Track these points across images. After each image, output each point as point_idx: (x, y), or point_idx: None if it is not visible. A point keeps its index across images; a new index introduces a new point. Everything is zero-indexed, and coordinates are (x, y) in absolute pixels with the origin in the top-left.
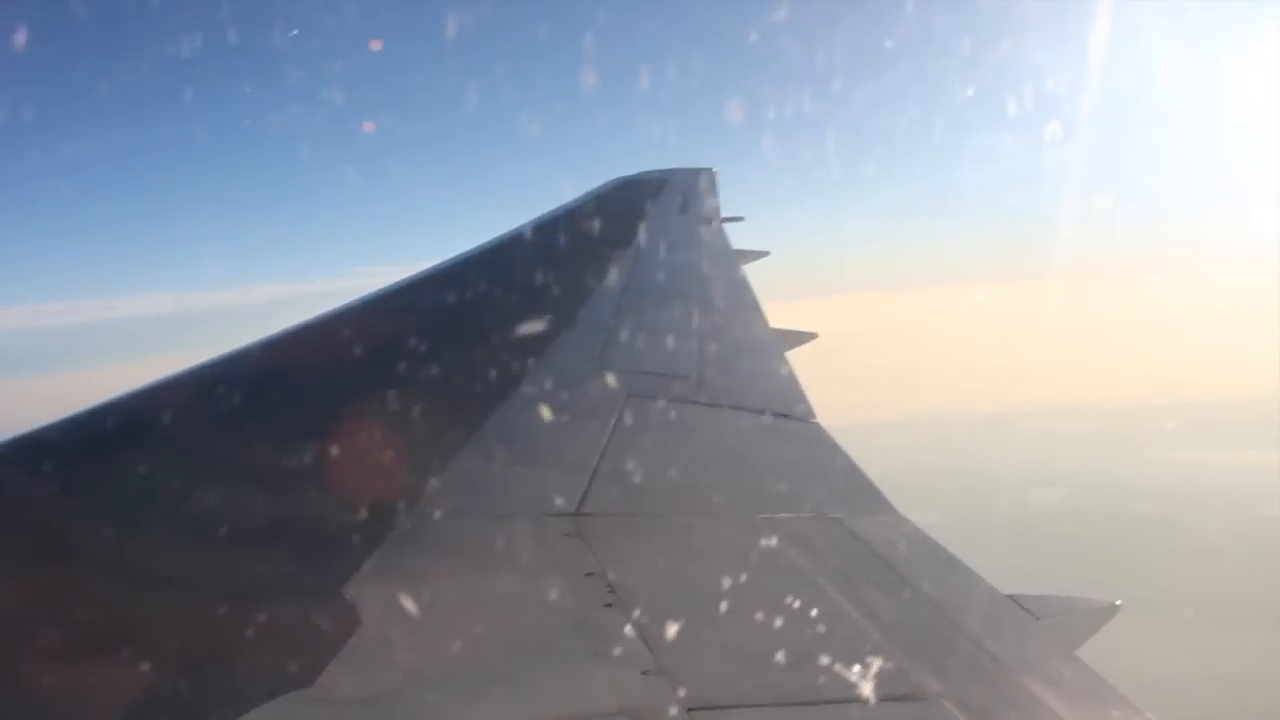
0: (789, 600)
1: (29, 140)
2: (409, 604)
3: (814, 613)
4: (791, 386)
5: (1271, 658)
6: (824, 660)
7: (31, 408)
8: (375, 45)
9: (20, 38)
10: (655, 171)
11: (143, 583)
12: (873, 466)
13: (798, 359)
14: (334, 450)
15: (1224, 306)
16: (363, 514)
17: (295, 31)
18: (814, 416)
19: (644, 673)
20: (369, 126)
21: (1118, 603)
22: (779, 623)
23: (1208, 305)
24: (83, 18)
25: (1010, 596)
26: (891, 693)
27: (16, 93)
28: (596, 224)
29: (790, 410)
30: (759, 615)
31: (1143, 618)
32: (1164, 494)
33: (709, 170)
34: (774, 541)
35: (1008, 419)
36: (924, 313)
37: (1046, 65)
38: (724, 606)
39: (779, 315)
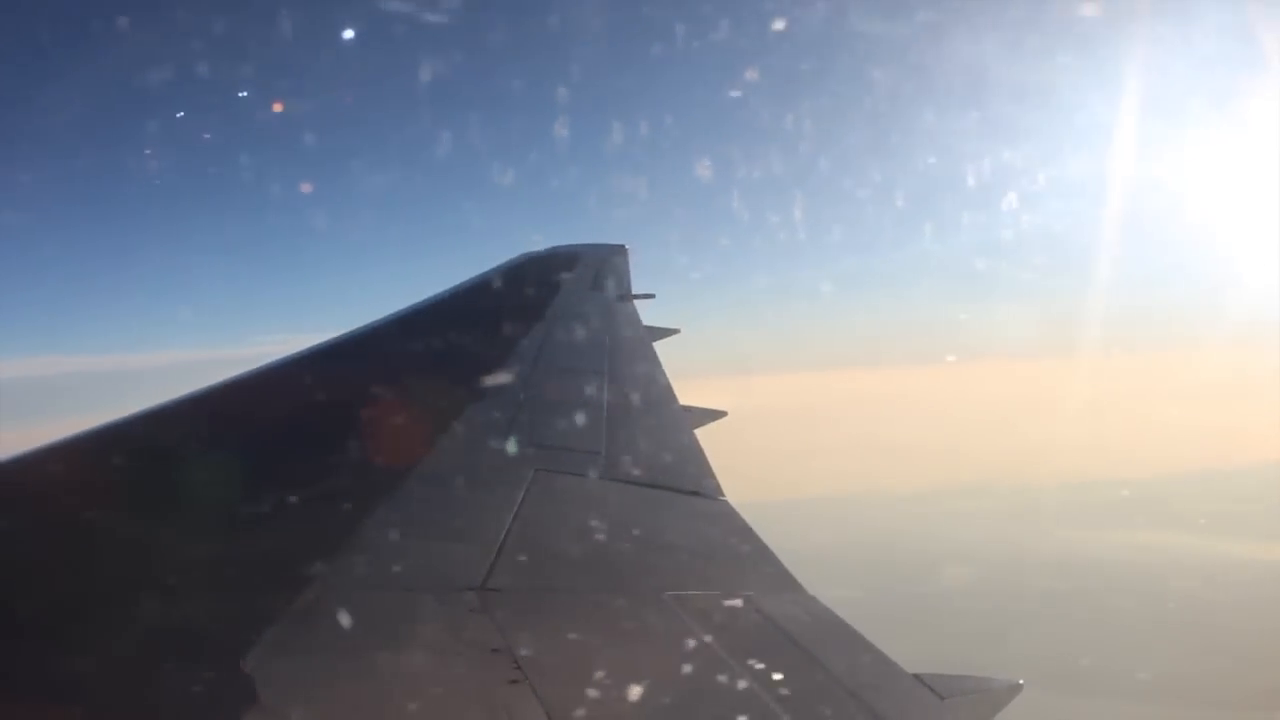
0: (695, 679)
1: None
2: (309, 679)
3: (720, 692)
4: (700, 464)
5: None
6: None
7: None
8: (277, 106)
9: None
10: (566, 246)
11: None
12: (784, 544)
13: (707, 437)
14: (235, 523)
15: (1126, 389)
16: (263, 587)
17: (244, 93)
18: (722, 494)
19: None
20: (308, 187)
21: (1020, 681)
22: (684, 701)
23: (1111, 388)
24: None
25: (916, 676)
26: None
27: None
28: (506, 298)
29: (699, 487)
30: (665, 694)
31: (1051, 691)
32: (1074, 570)
33: (621, 246)
34: (682, 620)
35: (921, 498)
36: (836, 393)
37: (950, 153)
38: (630, 684)
39: (689, 393)
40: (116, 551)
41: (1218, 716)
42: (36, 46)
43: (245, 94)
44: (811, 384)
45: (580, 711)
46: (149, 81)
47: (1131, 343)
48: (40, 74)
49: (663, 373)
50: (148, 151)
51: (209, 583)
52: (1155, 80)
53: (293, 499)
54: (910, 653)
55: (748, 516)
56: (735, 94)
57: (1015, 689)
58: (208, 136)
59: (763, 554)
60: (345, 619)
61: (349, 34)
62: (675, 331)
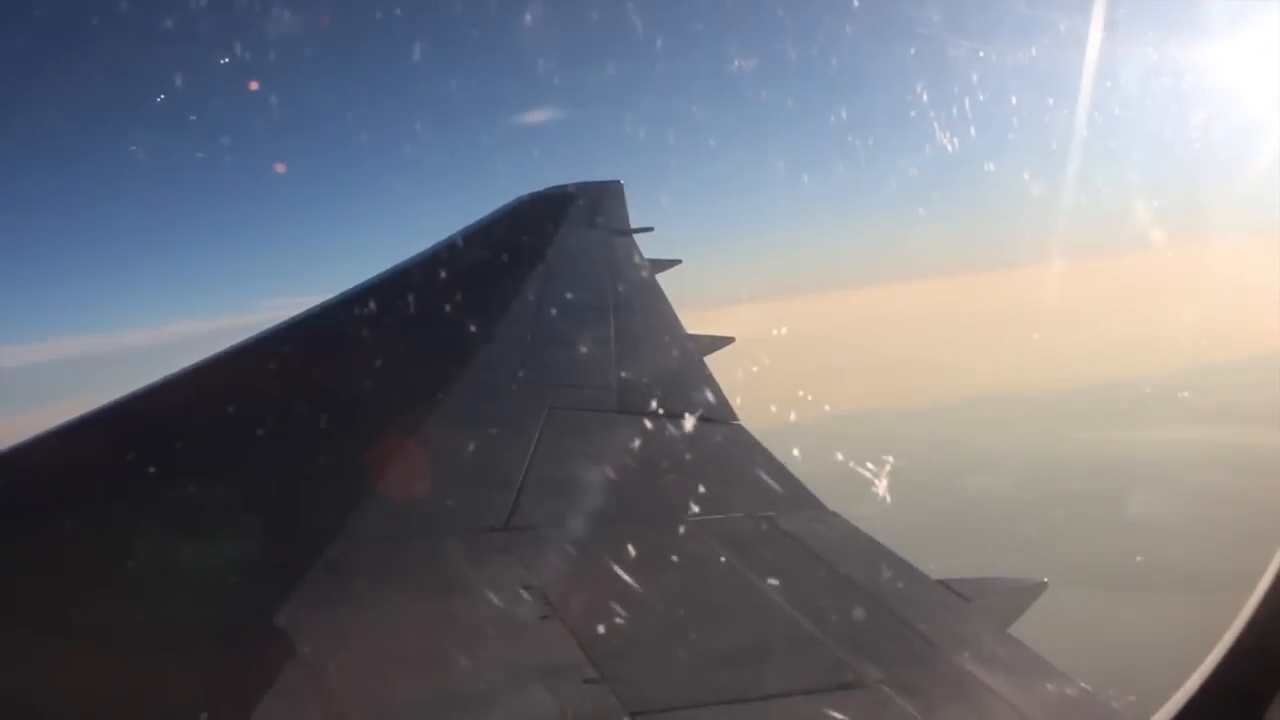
0: (724, 600)
1: None
2: (345, 629)
3: (750, 611)
4: (712, 390)
5: (1203, 617)
6: (762, 656)
7: None
8: (252, 85)
9: None
10: (562, 186)
11: (58, 626)
12: (801, 466)
13: (716, 363)
14: (262, 477)
15: (1131, 290)
16: (291, 539)
17: (225, 59)
18: (735, 419)
19: (585, 681)
20: (280, 168)
21: (1044, 580)
22: (715, 623)
23: (1115, 290)
24: None
25: (941, 581)
26: (832, 683)
27: None
28: (507, 240)
29: (712, 413)
30: (695, 617)
31: (1080, 590)
32: (1091, 472)
33: (616, 182)
34: (705, 544)
35: (932, 411)
36: (841, 314)
37: (942, 67)
38: (660, 611)
39: (695, 322)
40: (149, 507)
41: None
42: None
43: (232, 58)
44: (816, 307)
45: (612, 641)
46: (142, 54)
47: (1136, 242)
48: (37, 47)
49: (667, 303)
50: (135, 124)
51: (237, 537)
52: None
53: (313, 453)
54: (937, 562)
55: (763, 440)
56: (721, 15)
57: (1040, 587)
58: (198, 100)
59: (780, 474)
60: (374, 567)
61: None
62: (677, 262)
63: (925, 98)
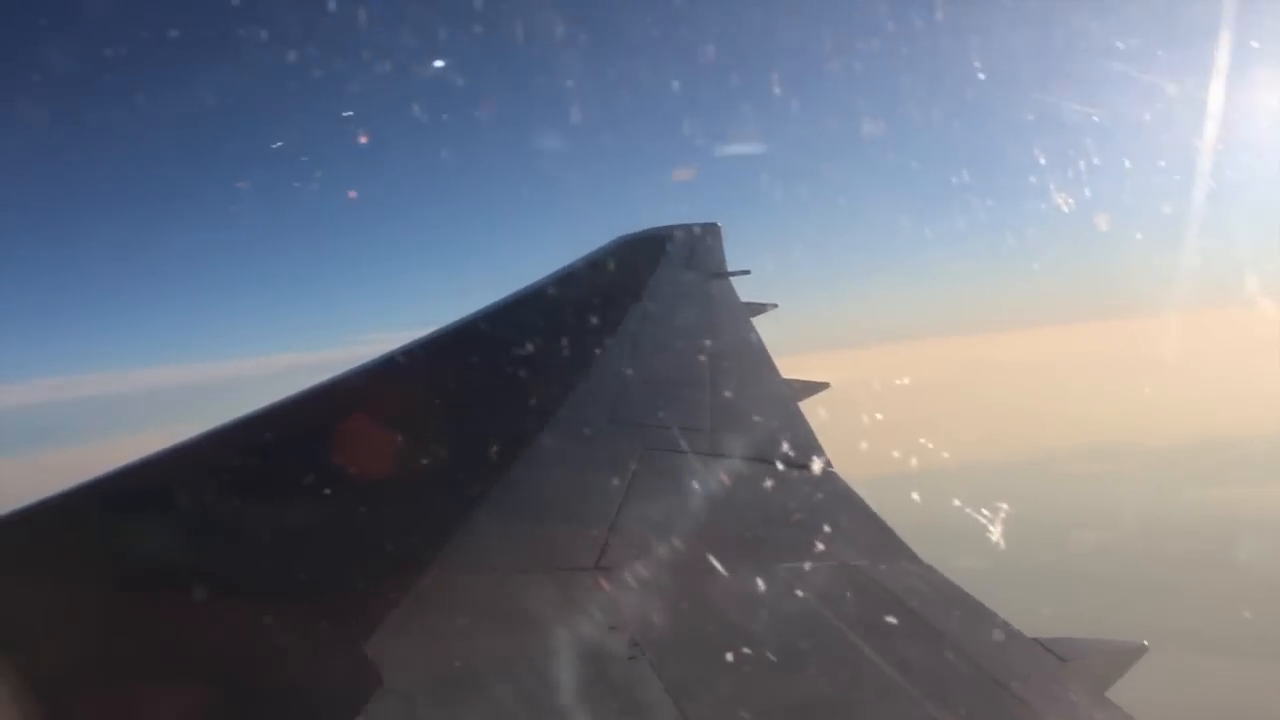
0: (810, 650)
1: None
2: (431, 661)
3: (836, 662)
4: (806, 436)
5: None
6: (851, 709)
7: (36, 484)
8: (362, 140)
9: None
10: (659, 228)
11: (153, 642)
12: (898, 516)
13: (811, 410)
14: (356, 506)
15: (1247, 344)
16: (383, 569)
17: (349, 114)
18: (830, 465)
19: None
20: (352, 195)
21: (1144, 643)
22: (801, 672)
23: (1234, 344)
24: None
25: (1037, 640)
26: None
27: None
28: (603, 281)
29: (806, 460)
30: (781, 665)
31: (1185, 653)
32: (1202, 531)
33: (714, 225)
34: (794, 591)
35: (1040, 463)
36: (940, 362)
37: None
38: (746, 657)
39: (790, 367)
40: (253, 525)
41: None
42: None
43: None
44: (917, 354)
45: (698, 686)
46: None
47: (1248, 297)
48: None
49: (763, 347)
50: (229, 162)
51: (329, 567)
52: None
53: (408, 484)
54: (1036, 619)
55: (859, 489)
56: (828, 62)
57: (1140, 650)
58: (280, 143)
59: (874, 524)
60: (463, 601)
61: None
62: (773, 306)
63: (1041, 155)
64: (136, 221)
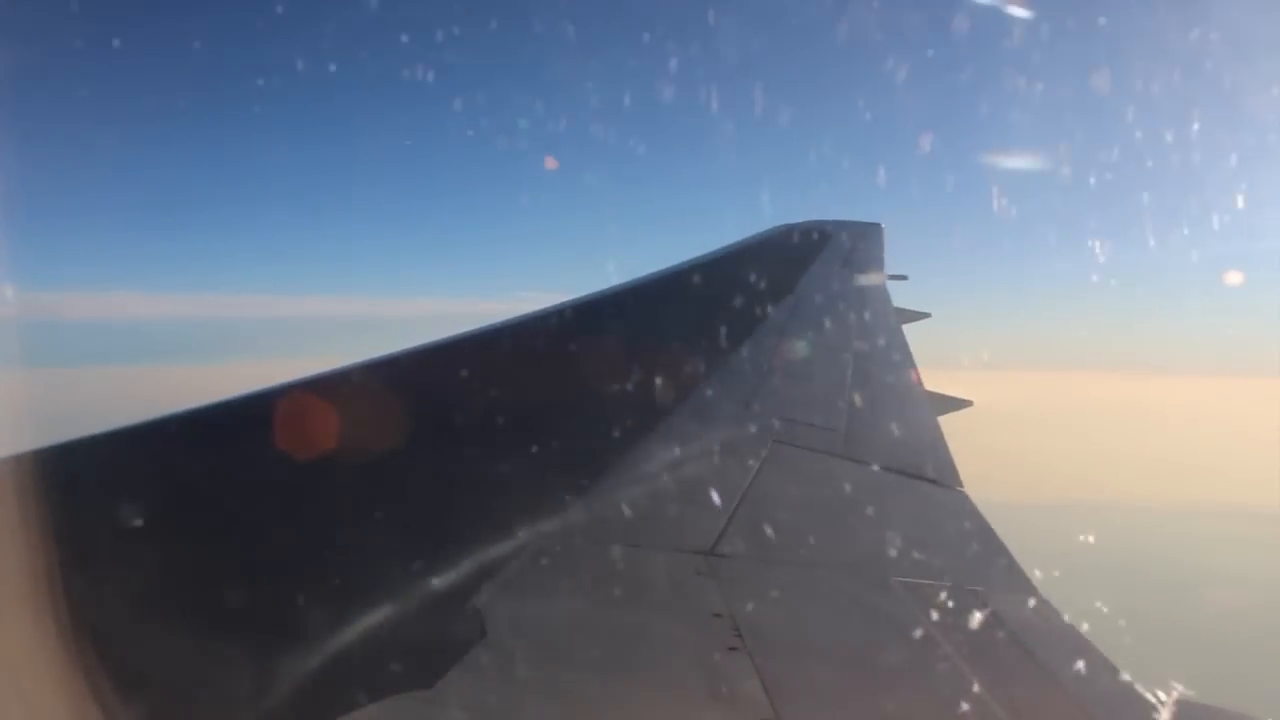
0: (916, 667)
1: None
2: (535, 623)
3: (937, 682)
4: (941, 452)
5: None
6: None
7: (199, 393)
8: (550, 163)
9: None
10: (821, 221)
11: (275, 576)
12: (1024, 546)
13: (950, 425)
14: (482, 464)
15: None
16: (503, 528)
17: (501, 75)
18: (960, 484)
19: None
20: (551, 163)
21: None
22: (901, 688)
23: None
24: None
25: (1157, 697)
26: None
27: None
28: (759, 269)
29: (938, 475)
30: (883, 677)
31: None
32: None
33: (876, 225)
34: (907, 606)
35: (1185, 515)
36: (1095, 396)
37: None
38: (848, 663)
39: (936, 379)
40: (380, 471)
41: None
42: None
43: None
44: (1069, 383)
45: (795, 684)
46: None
47: None
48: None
49: (909, 356)
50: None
51: (453, 518)
52: None
53: (537, 453)
54: (1155, 675)
55: (988, 513)
56: (1019, 73)
57: None
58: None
59: (998, 551)
60: (575, 568)
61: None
62: (926, 315)
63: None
64: (323, 153)
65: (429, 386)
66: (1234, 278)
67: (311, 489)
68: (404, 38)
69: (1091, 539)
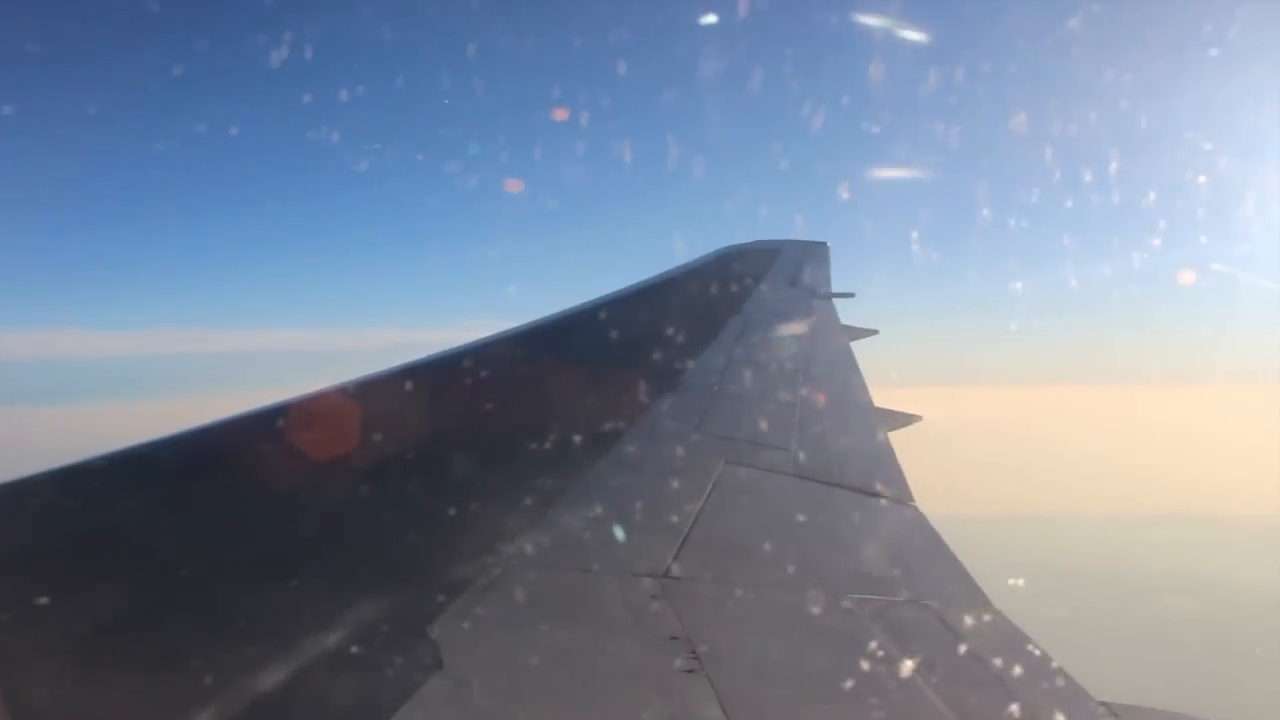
0: (873, 685)
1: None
2: (490, 652)
3: (894, 698)
4: (892, 467)
5: None
6: None
7: (142, 429)
8: (514, 186)
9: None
10: (767, 241)
11: (220, 609)
12: (977, 559)
13: (901, 442)
14: (430, 491)
15: None
16: (456, 555)
17: (446, 101)
18: (912, 499)
19: None
20: (515, 186)
21: None
22: (860, 706)
23: None
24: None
25: (1104, 704)
26: None
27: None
28: (705, 290)
29: (888, 491)
30: (839, 694)
31: None
32: None
33: (822, 244)
34: (861, 622)
35: (1138, 523)
36: (1042, 409)
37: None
38: (806, 683)
39: (884, 396)
40: (327, 502)
41: None
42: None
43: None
44: (1016, 399)
45: (754, 705)
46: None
47: None
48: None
49: (858, 373)
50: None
51: (404, 547)
52: None
53: (487, 477)
54: (1108, 680)
55: (941, 528)
56: (947, 81)
57: None
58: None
59: (950, 564)
60: (529, 595)
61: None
62: (874, 332)
63: (1170, 191)
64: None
65: (371, 416)
66: (1176, 288)
67: (254, 518)
68: (344, 77)
69: (1041, 549)
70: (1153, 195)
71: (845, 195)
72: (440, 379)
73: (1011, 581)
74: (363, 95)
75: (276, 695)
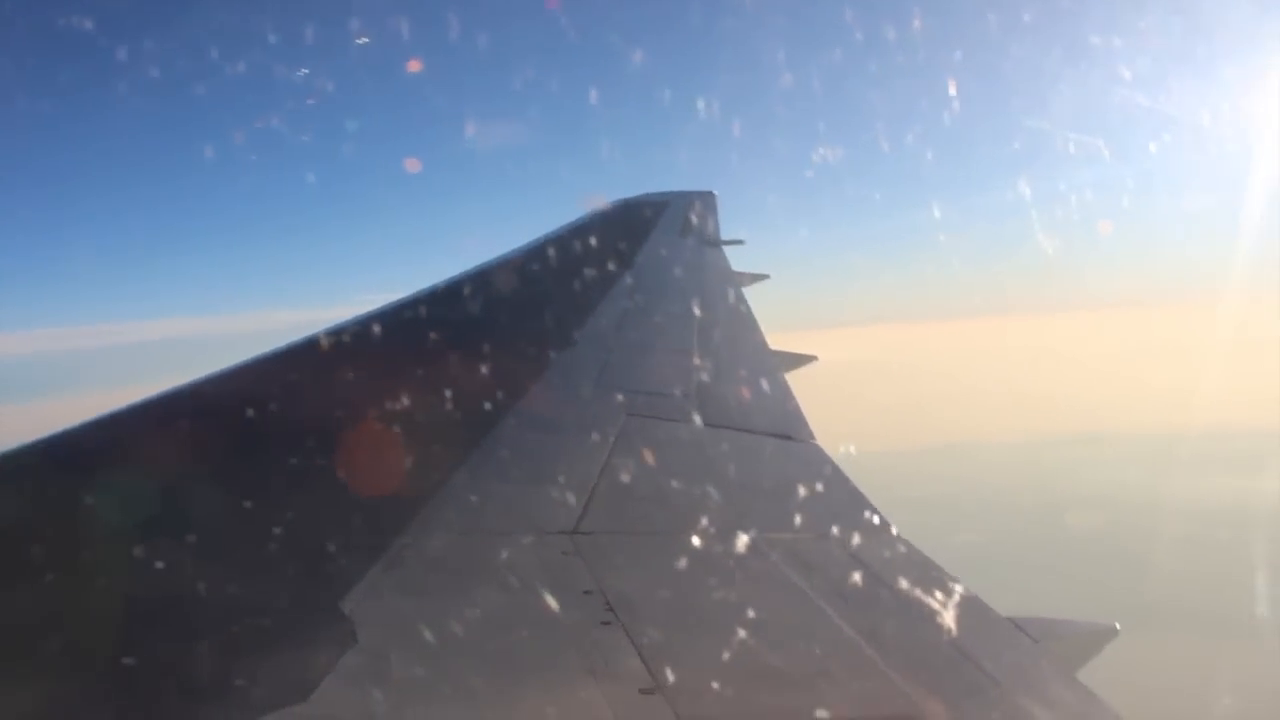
0: (787, 619)
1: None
2: (405, 619)
3: (812, 633)
4: (791, 408)
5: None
6: (822, 680)
7: (29, 431)
8: (413, 165)
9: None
10: (655, 194)
11: (136, 592)
12: (890, 492)
13: (798, 383)
14: (334, 465)
15: (1255, 335)
16: (362, 528)
17: (322, 75)
18: (813, 438)
19: (641, 691)
20: (414, 165)
21: (1115, 625)
22: (777, 642)
23: (1236, 334)
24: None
25: (1010, 619)
26: (888, 713)
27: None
28: (597, 245)
29: (789, 431)
30: (755, 634)
31: (1168, 633)
32: (1207, 517)
33: (709, 193)
34: (772, 561)
35: (1038, 446)
36: (934, 346)
37: (1076, 90)
38: (722, 625)
39: (778, 339)
40: (231, 482)
41: None
42: None
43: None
44: (909, 336)
45: (672, 652)
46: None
47: (1249, 287)
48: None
49: (752, 318)
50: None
51: (307, 525)
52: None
53: (390, 444)
54: (1022, 598)
55: (843, 464)
56: (827, 30)
57: (1111, 633)
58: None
59: (854, 498)
60: (440, 561)
61: None
62: (765, 277)
63: (1045, 134)
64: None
65: (261, 397)
66: (1053, 219)
67: (153, 506)
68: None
69: (942, 480)
70: (1028, 127)
71: (734, 141)
72: (333, 355)
73: (914, 513)
74: (238, 72)
75: (184, 684)
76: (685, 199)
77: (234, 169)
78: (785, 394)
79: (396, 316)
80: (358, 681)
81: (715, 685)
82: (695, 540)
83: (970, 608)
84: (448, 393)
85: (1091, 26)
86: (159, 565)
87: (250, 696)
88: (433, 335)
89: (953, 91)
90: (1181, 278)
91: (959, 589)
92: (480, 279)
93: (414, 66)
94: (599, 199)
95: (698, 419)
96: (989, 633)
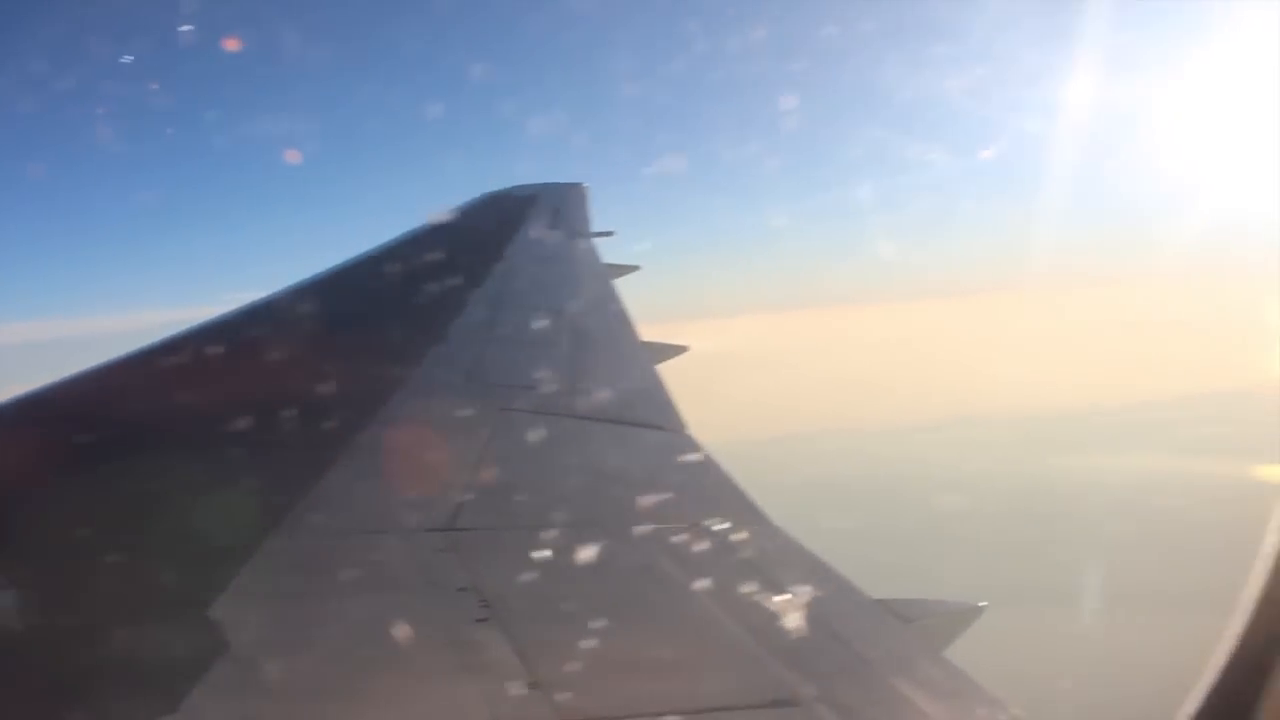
0: (663, 610)
1: None
2: (276, 623)
3: (686, 622)
4: (662, 399)
5: (1157, 640)
6: (699, 668)
7: None
8: (231, 44)
9: None
10: (525, 186)
11: None
12: (758, 480)
13: (669, 373)
14: (205, 466)
15: (1102, 319)
16: (232, 530)
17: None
18: (685, 428)
19: (519, 687)
20: (294, 157)
21: (982, 604)
22: (652, 633)
23: (1095, 316)
24: None
25: (880, 601)
26: (765, 698)
27: None
28: (466, 239)
29: (661, 422)
30: (633, 626)
31: (1032, 612)
32: (1065, 496)
33: (579, 185)
34: (648, 552)
35: (899, 433)
36: (803, 333)
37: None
38: (598, 618)
39: (649, 330)
40: (94, 486)
41: (1201, 621)
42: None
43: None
44: (777, 325)
45: (548, 646)
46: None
47: (1100, 273)
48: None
49: (623, 309)
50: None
51: (177, 530)
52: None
53: (263, 444)
54: (891, 582)
55: (715, 453)
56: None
57: (976, 611)
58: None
59: (726, 486)
60: (311, 562)
61: None
62: (635, 268)
63: (912, 118)
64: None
65: (130, 398)
66: (919, 207)
67: (6, 511)
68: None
69: (814, 467)
70: (882, 121)
71: (601, 133)
72: (193, 356)
73: (786, 500)
74: (92, 66)
75: (48, 696)
76: (555, 191)
77: (93, 167)
78: (657, 385)
79: (265, 315)
80: (229, 689)
81: (592, 679)
82: (569, 533)
83: (842, 592)
84: (319, 392)
85: (927, 29)
86: (19, 574)
87: (116, 709)
88: (302, 333)
89: (811, 83)
90: (1024, 267)
91: (831, 574)
92: (349, 274)
93: (231, 45)
94: (442, 211)
95: (570, 412)
96: (860, 615)
